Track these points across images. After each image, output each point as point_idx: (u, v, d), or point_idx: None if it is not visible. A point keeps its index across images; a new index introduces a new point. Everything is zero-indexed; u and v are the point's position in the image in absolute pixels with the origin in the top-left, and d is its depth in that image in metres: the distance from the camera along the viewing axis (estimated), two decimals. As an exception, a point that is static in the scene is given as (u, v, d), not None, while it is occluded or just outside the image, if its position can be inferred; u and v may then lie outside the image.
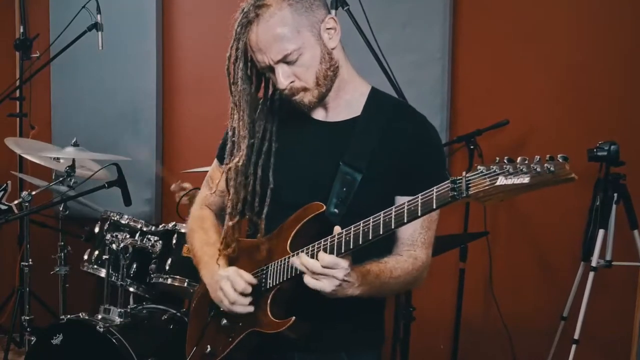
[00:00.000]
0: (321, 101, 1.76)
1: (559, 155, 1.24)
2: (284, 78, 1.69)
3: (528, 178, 1.25)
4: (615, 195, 3.05)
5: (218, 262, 1.81)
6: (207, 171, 3.23)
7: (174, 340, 3.00)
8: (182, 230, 3.08)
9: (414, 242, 1.74)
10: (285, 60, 1.67)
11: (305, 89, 1.71)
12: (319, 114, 1.81)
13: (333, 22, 1.72)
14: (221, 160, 1.90)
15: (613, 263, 3.09)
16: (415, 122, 1.78)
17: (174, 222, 3.15)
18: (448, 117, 3.56)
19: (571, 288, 3.25)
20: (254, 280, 1.72)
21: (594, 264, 3.05)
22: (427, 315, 3.18)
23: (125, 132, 4.19)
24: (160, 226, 3.18)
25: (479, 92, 3.56)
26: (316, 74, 1.70)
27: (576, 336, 3.05)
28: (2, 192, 2.52)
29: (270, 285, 1.70)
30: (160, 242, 3.10)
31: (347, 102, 1.79)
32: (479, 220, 3.39)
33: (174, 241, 3.08)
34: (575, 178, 1.23)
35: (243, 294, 1.71)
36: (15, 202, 3.22)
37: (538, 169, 1.24)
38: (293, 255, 1.64)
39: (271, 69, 1.71)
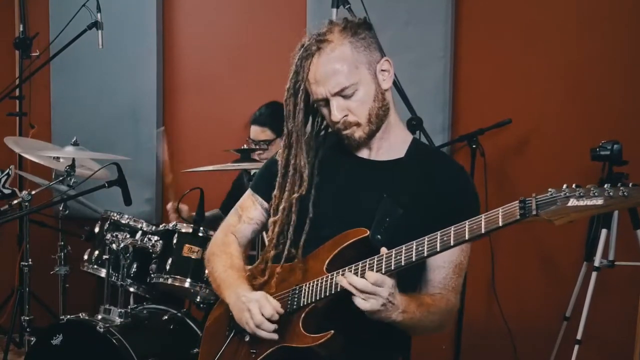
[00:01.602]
0: (370, 138, 1.81)
1: (630, 185, 1.32)
2: (338, 111, 1.75)
3: (602, 200, 1.31)
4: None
5: (245, 284, 1.83)
6: (207, 171, 3.26)
7: (175, 341, 2.99)
8: (183, 230, 3.06)
9: (446, 286, 1.78)
10: (341, 94, 1.74)
11: (357, 124, 1.77)
12: (362, 153, 1.87)
13: (388, 65, 1.80)
14: (256, 190, 1.97)
15: (616, 263, 3.08)
16: (455, 169, 1.85)
17: (174, 222, 3.13)
18: (450, 116, 3.55)
19: (574, 288, 3.24)
20: (281, 310, 1.72)
21: (596, 264, 3.04)
22: (429, 316, 3.17)
23: (126, 132, 4.19)
24: (161, 226, 3.16)
25: (481, 91, 3.55)
26: (369, 110, 1.77)
27: (579, 336, 3.04)
28: (6, 177, 2.51)
29: (304, 304, 1.71)
30: (161, 242, 3.08)
31: (390, 145, 1.85)
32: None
33: (175, 241, 3.06)
34: None
35: (270, 320, 1.71)
36: (15, 201, 3.21)
37: (612, 193, 1.31)
38: (333, 275, 1.65)
39: (326, 102, 1.76)
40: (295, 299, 1.73)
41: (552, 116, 3.42)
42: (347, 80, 1.72)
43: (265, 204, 1.95)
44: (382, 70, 1.78)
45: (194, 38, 4.16)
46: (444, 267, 1.77)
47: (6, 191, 2.52)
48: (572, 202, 1.32)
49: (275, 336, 1.71)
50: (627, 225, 3.06)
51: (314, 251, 1.76)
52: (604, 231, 3.03)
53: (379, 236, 1.69)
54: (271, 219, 1.88)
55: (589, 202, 1.31)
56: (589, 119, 3.34)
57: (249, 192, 2.02)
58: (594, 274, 3.04)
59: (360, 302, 1.57)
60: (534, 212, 1.35)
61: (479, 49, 3.54)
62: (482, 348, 3.60)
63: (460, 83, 3.57)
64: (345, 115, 1.75)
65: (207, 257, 2.02)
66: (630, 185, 1.30)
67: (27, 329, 3.57)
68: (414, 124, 2.95)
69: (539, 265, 3.51)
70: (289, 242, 1.82)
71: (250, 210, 1.98)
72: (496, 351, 3.57)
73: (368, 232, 1.67)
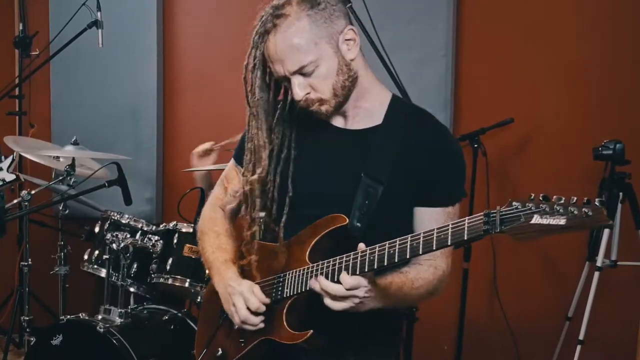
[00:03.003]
0: (338, 110, 1.75)
1: (596, 200, 1.25)
2: (299, 89, 1.68)
3: (564, 220, 1.25)
4: (621, 194, 3.03)
5: (231, 268, 1.80)
6: (207, 170, 3.25)
7: (175, 341, 2.99)
8: (183, 230, 3.05)
9: (433, 254, 1.70)
10: (301, 71, 1.67)
11: (321, 100, 1.71)
12: (338, 121, 1.80)
13: (352, 33, 1.70)
14: (238, 160, 1.90)
15: (618, 263, 3.07)
16: (435, 133, 1.77)
17: (174, 222, 3.12)
18: (451, 116, 3.54)
19: (576, 288, 3.23)
20: (266, 300, 1.71)
21: (599, 263, 3.03)
22: (431, 316, 3.16)
23: (126, 131, 4.17)
24: (161, 226, 3.16)
25: (483, 90, 3.54)
26: (333, 85, 1.69)
27: (581, 337, 3.03)
28: (11, 162, 2.49)
29: (287, 295, 1.69)
30: (161, 241, 3.08)
31: (366, 111, 1.78)
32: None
33: (175, 241, 3.05)
34: (612, 224, 1.27)
35: (255, 313, 1.70)
36: (15, 201, 3.20)
37: (575, 212, 1.24)
38: (311, 270, 1.64)
39: (287, 80, 1.70)
40: (280, 289, 1.71)
41: (554, 115, 3.40)
42: (305, 58, 1.65)
43: None
44: (347, 39, 1.69)
45: (194, 37, 4.15)
46: None
47: (9, 177, 2.50)
48: (536, 219, 1.26)
49: (261, 326, 1.71)
50: (629, 225, 3.05)
51: (296, 234, 1.74)
52: (606, 231, 3.02)
53: (358, 223, 1.66)
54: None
55: (551, 221, 1.25)
56: (592, 118, 3.33)
57: (232, 162, 1.97)
58: (596, 274, 3.03)
59: (331, 303, 1.57)
60: (498, 229, 1.32)
61: (481, 47, 3.53)
62: (484, 348, 3.60)
63: (462, 82, 3.56)
64: (308, 93, 1.69)
65: (198, 235, 2.00)
66: (597, 202, 1.24)
67: (27, 329, 3.57)
68: (415, 123, 2.93)
69: (541, 265, 3.50)
70: (267, 219, 1.79)
71: (235, 181, 1.92)
72: (498, 351, 3.56)
73: (347, 221, 1.64)
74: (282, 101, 1.80)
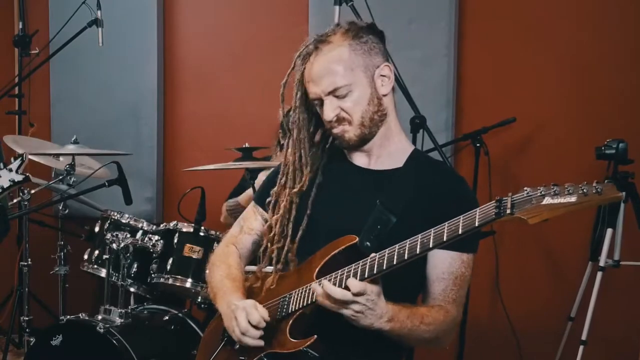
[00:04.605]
0: (363, 144, 1.82)
1: (605, 181, 1.31)
2: (330, 110, 1.77)
3: (575, 197, 1.29)
4: (624, 194, 3.02)
5: (237, 293, 1.84)
6: (207, 170, 3.24)
7: (176, 341, 2.98)
8: (184, 230, 3.05)
9: (445, 298, 1.75)
10: (335, 93, 1.75)
11: (349, 122, 1.78)
12: (361, 161, 1.87)
13: (388, 71, 1.79)
14: (259, 202, 1.98)
15: (621, 263, 3.06)
16: (453, 180, 1.85)
17: (175, 222, 3.11)
18: (453, 115, 3.53)
19: (579, 288, 3.22)
20: (268, 318, 1.73)
21: (602, 263, 3.01)
22: (432, 316, 3.15)
23: (126, 130, 4.17)
24: (162, 225, 3.15)
25: (485, 89, 3.53)
26: (362, 113, 1.77)
27: (584, 337, 3.01)
28: (20, 162, 2.50)
29: (292, 310, 1.71)
30: (162, 241, 3.07)
31: (390, 154, 1.85)
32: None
33: (175, 240, 3.05)
34: (622, 197, 1.30)
35: (256, 328, 1.71)
36: (14, 200, 3.19)
37: (585, 190, 1.29)
38: (317, 282, 1.65)
39: (321, 102, 1.78)
40: (285, 307, 1.74)
41: (556, 114, 3.39)
42: (340, 81, 1.74)
43: (266, 215, 1.94)
44: (382, 75, 1.78)
45: (194, 36, 4.14)
46: (443, 278, 1.74)
47: (18, 178, 2.51)
48: (547, 200, 1.31)
49: (260, 342, 1.71)
50: (632, 225, 3.03)
51: (307, 259, 1.77)
52: (609, 231, 3.01)
53: (368, 243, 1.69)
54: (271, 217, 1.88)
55: (562, 200, 1.29)
56: (594, 117, 3.32)
57: (251, 204, 2.03)
58: (599, 274, 3.02)
59: (330, 307, 1.58)
60: (509, 212, 1.35)
61: (483, 47, 3.52)
62: (486, 348, 3.59)
63: (464, 81, 3.54)
64: (338, 114, 1.77)
65: (208, 268, 2.03)
66: (605, 181, 1.29)
67: (27, 330, 3.56)
68: (417, 122, 2.92)
69: (544, 265, 3.49)
70: (289, 239, 1.83)
71: (251, 220, 1.99)
72: (500, 352, 3.55)
73: (357, 239, 1.67)
74: (322, 134, 1.89)
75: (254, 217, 1.99)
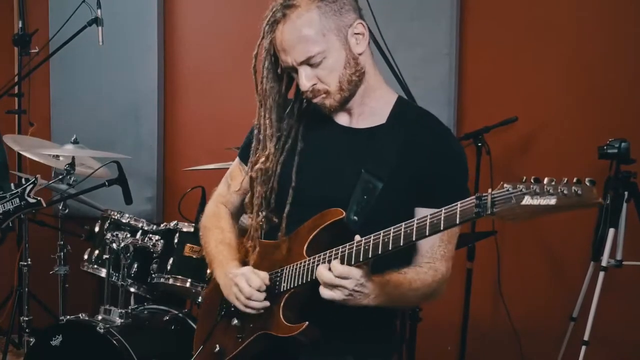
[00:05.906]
0: (344, 105, 1.76)
1: (586, 179, 1.24)
2: (306, 80, 1.70)
3: (555, 199, 1.25)
4: (626, 193, 3.01)
5: (234, 261, 1.82)
6: (208, 169, 3.23)
7: (176, 342, 2.97)
8: (184, 230, 3.04)
9: (433, 255, 1.73)
10: (308, 62, 1.69)
11: (327, 92, 1.72)
12: (343, 119, 1.82)
13: (361, 28, 1.72)
14: (243, 159, 1.92)
15: (624, 263, 3.05)
16: (437, 135, 1.78)
17: (175, 221, 3.10)
18: (455, 114, 3.52)
19: (581, 288, 3.20)
20: (268, 281, 1.72)
21: (604, 263, 3.01)
22: (434, 316, 3.14)
23: (126, 130, 4.16)
24: (162, 225, 3.14)
25: (486, 89, 3.52)
26: (339, 78, 1.71)
27: (586, 337, 3.01)
28: (32, 185, 2.50)
29: (284, 289, 1.70)
30: (162, 241, 3.06)
31: (371, 110, 1.79)
32: (487, 220, 3.33)
33: (176, 240, 3.04)
34: (602, 203, 1.24)
35: (258, 291, 1.71)
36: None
37: (565, 192, 1.24)
38: (308, 262, 1.65)
39: (295, 70, 1.71)
40: (277, 283, 1.72)
41: (558, 114, 3.38)
42: (313, 49, 1.66)
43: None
44: (355, 33, 1.70)
45: (195, 35, 4.13)
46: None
47: (31, 200, 2.51)
48: (527, 201, 1.27)
49: (267, 303, 1.71)
50: (635, 225, 3.03)
51: (296, 230, 1.75)
52: (611, 230, 3.00)
53: (355, 217, 1.68)
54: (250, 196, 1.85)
55: (542, 202, 1.25)
56: (596, 116, 3.31)
57: (236, 160, 2.00)
58: (601, 274, 3.01)
59: (326, 293, 1.57)
60: (489, 211, 1.32)
61: (485, 45, 3.51)
62: (488, 349, 3.58)
63: (466, 80, 3.53)
64: (314, 84, 1.70)
65: (201, 231, 2.01)
66: (587, 181, 1.24)
67: (26, 330, 3.56)
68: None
69: (546, 265, 3.48)
70: (270, 211, 1.81)
71: (238, 178, 1.94)
72: (502, 352, 3.54)
73: (344, 214, 1.65)
74: (295, 95, 1.82)
75: (241, 174, 1.93)
